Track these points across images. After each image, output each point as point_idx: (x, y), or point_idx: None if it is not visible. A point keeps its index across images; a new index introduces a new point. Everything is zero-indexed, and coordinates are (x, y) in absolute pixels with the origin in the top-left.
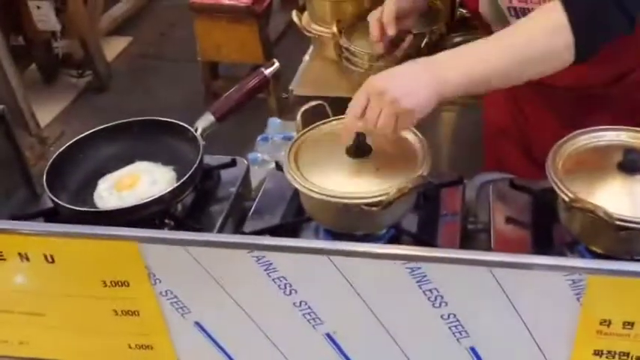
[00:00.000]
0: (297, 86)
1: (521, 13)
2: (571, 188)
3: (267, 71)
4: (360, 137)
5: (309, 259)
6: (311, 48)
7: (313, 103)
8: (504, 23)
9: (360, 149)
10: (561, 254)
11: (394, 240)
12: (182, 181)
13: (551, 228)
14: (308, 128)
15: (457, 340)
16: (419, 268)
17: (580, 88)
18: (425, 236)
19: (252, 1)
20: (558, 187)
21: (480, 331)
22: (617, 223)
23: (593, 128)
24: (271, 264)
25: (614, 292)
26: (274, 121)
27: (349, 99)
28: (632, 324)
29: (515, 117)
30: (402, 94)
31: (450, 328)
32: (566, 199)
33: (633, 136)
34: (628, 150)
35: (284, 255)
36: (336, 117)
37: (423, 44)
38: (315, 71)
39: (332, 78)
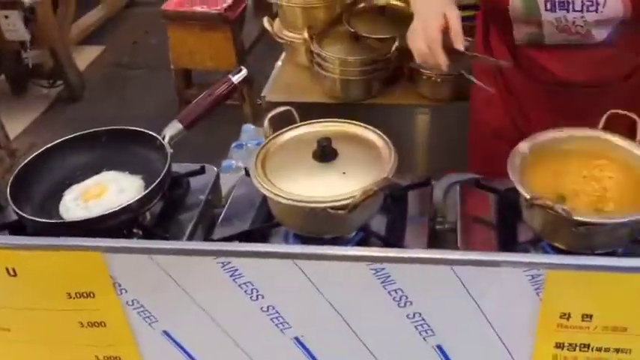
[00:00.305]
0: (269, 92)
1: (559, 6)
2: (532, 186)
3: (235, 78)
4: (325, 142)
5: (275, 264)
6: (283, 54)
7: (281, 109)
8: (535, 20)
9: (326, 154)
10: (525, 251)
11: (363, 242)
12: (149, 189)
13: (515, 226)
14: (275, 134)
15: (423, 338)
16: (383, 268)
17: (594, 85)
18: (392, 238)
19: (225, 8)
20: (519, 186)
21: (446, 328)
22: (576, 219)
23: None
24: (237, 270)
25: (572, 286)
26: (248, 128)
27: (322, 104)
28: (590, 316)
29: (514, 119)
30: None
31: (415, 327)
32: (527, 197)
33: None
34: None
35: (249, 260)
36: (304, 122)
37: (393, 48)
38: (287, 77)
39: (304, 83)
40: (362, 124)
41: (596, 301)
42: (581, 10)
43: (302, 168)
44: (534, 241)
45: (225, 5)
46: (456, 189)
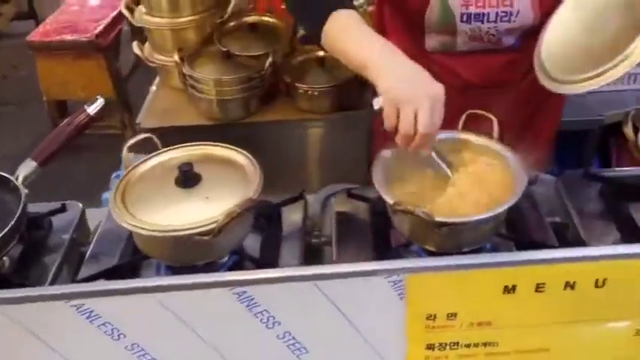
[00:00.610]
0: (145, 118)
1: (475, 19)
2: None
3: (91, 109)
4: (186, 167)
5: (133, 300)
6: (157, 79)
7: (140, 136)
8: (450, 30)
9: (188, 179)
10: (399, 256)
11: (237, 266)
12: (2, 234)
13: (389, 232)
14: (136, 164)
15: (297, 357)
16: (244, 292)
17: (497, 86)
18: (267, 258)
19: (96, 35)
20: (382, 193)
21: (318, 344)
22: (437, 220)
23: None
24: (92, 311)
25: (433, 287)
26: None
27: (200, 126)
28: (455, 314)
29: None
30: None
31: (288, 346)
32: (390, 202)
33: None
34: None
35: (105, 300)
36: (166, 148)
37: (267, 65)
38: (162, 102)
39: (180, 107)
40: (227, 145)
41: (458, 300)
42: (496, 21)
43: (165, 196)
44: (406, 245)
45: (96, 32)
46: (331, 201)
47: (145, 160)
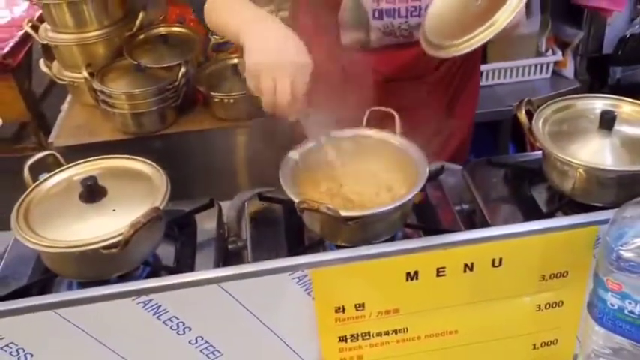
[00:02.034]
0: (57, 138)
1: (386, 14)
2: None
3: None
4: (90, 181)
5: (36, 318)
6: (69, 96)
7: (40, 155)
8: (363, 27)
9: (93, 193)
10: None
11: (151, 277)
12: None
13: (302, 232)
14: (39, 182)
15: None
16: (150, 300)
17: (414, 78)
18: (182, 266)
19: (4, 55)
20: (288, 193)
21: (231, 346)
22: (343, 215)
23: None
24: None
25: (338, 279)
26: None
27: (116, 141)
28: (362, 305)
29: None
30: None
31: (201, 351)
32: (296, 201)
33: None
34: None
35: (5, 320)
36: (70, 164)
37: (180, 75)
38: (74, 119)
39: (93, 124)
40: (132, 157)
41: (364, 290)
42: (406, 16)
43: (70, 212)
44: (319, 242)
45: (3, 52)
46: (245, 206)
47: (48, 178)
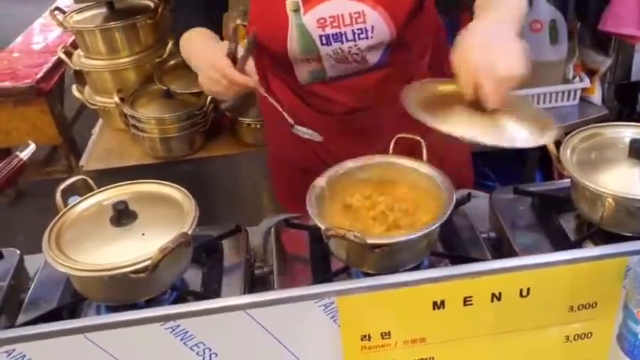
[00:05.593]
0: (87, 162)
1: (333, 39)
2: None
3: (23, 154)
4: (121, 206)
5: (64, 342)
6: (100, 121)
7: (73, 179)
8: (314, 56)
9: (123, 217)
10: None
11: (178, 301)
12: None
13: (328, 259)
14: (70, 206)
15: None
16: (178, 325)
17: (378, 107)
18: (208, 291)
19: (37, 80)
20: (316, 219)
21: None
22: (369, 242)
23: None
24: (24, 356)
25: (365, 307)
26: (75, 200)
27: (145, 165)
28: (388, 333)
29: (317, 153)
30: (508, 64)
31: None
32: (322, 228)
33: None
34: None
35: (36, 343)
36: (101, 189)
37: (208, 101)
38: (105, 143)
39: (123, 148)
40: (162, 182)
41: (390, 318)
42: (354, 39)
43: (100, 236)
44: (344, 269)
45: (37, 77)
46: (271, 232)
47: (79, 202)
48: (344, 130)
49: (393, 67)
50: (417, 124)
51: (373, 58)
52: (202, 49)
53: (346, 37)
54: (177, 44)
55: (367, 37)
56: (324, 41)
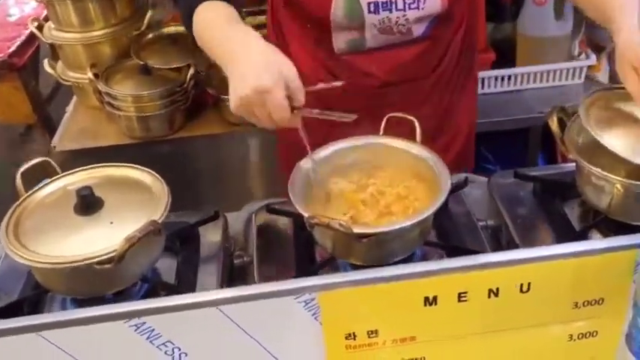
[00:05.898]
0: (60, 142)
1: (382, 7)
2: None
3: None
4: (85, 191)
5: (19, 340)
6: (74, 98)
7: (34, 161)
8: (358, 24)
9: (88, 205)
10: (323, 274)
11: (149, 294)
12: None
13: (313, 248)
14: (31, 191)
15: None
16: (144, 323)
17: (409, 81)
18: (182, 283)
19: (9, 54)
20: (297, 206)
21: None
22: (355, 232)
23: None
24: None
25: (350, 304)
26: None
27: (122, 146)
28: (376, 331)
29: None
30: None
31: None
32: (305, 215)
33: None
34: None
35: None
36: (65, 173)
37: (189, 77)
38: (79, 122)
39: (98, 126)
40: (131, 165)
41: (378, 315)
42: (404, 9)
43: (64, 225)
44: (330, 260)
45: (9, 51)
46: (252, 218)
47: (41, 187)
48: (365, 108)
49: (431, 41)
50: (439, 102)
51: (418, 30)
52: (255, 62)
53: (396, 6)
54: (185, 23)
55: (418, 8)
56: (372, 9)
